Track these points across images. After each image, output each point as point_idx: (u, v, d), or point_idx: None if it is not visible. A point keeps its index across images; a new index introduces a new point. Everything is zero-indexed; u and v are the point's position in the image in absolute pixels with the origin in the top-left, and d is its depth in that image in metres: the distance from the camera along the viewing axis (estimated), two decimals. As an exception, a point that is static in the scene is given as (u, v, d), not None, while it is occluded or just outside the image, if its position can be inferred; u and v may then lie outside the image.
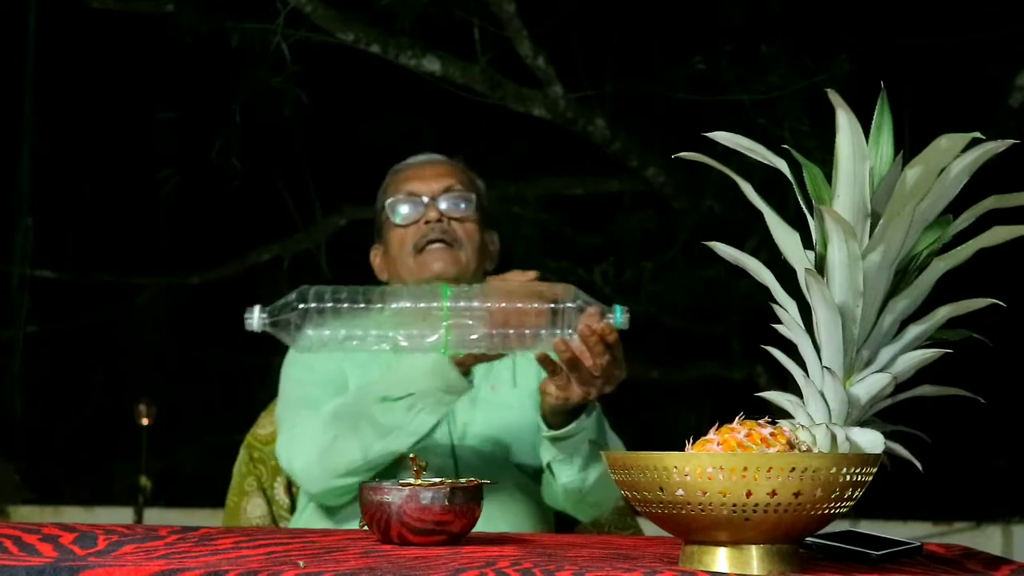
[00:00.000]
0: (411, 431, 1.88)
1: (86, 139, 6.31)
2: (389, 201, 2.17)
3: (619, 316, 1.75)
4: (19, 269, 5.32)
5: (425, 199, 2.14)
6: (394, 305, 1.75)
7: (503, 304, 1.74)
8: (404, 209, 2.15)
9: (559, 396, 1.84)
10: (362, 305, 1.74)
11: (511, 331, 1.75)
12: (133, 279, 6.65)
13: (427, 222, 2.12)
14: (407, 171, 2.22)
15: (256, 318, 1.74)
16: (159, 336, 6.78)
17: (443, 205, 2.14)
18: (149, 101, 5.85)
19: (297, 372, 2.13)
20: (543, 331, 1.75)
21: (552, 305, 1.75)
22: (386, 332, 1.75)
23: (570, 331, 1.75)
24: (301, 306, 1.73)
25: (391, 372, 1.94)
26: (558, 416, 1.89)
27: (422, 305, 1.75)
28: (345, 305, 1.73)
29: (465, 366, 1.86)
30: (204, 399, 6.54)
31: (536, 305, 1.75)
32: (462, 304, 1.75)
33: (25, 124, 5.25)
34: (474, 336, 1.75)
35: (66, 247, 6.45)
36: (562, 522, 2.18)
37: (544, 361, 1.81)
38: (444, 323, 1.74)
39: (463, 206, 2.15)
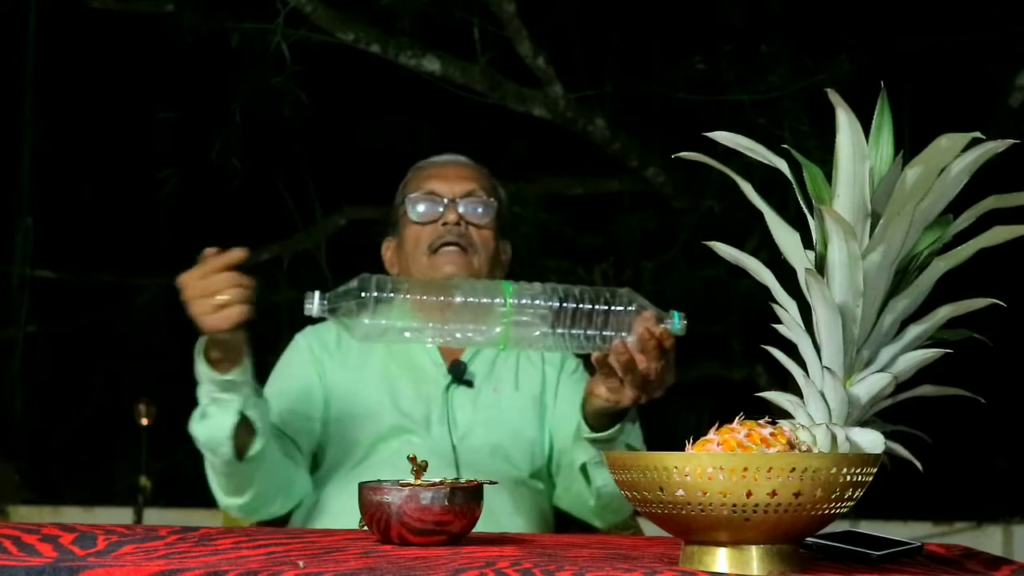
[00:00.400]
0: (221, 437, 1.88)
1: (86, 139, 6.31)
2: (409, 197, 2.16)
3: (676, 322, 1.75)
4: (19, 269, 5.32)
5: (445, 200, 2.14)
6: (457, 299, 1.74)
7: (565, 304, 1.74)
8: (423, 207, 2.14)
9: (609, 399, 1.83)
10: (423, 297, 1.74)
11: (571, 331, 1.74)
12: (133, 279, 6.65)
13: (444, 223, 2.12)
14: (431, 169, 2.21)
15: (316, 303, 1.75)
16: (159, 336, 6.78)
17: (462, 208, 2.13)
18: (149, 101, 5.85)
19: (279, 366, 2.16)
20: (602, 332, 1.74)
21: (611, 308, 1.74)
22: (445, 326, 1.74)
23: (625, 333, 1.74)
24: (363, 295, 1.73)
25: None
26: (601, 419, 1.88)
27: (485, 301, 1.74)
28: (407, 296, 1.73)
29: (222, 364, 1.83)
30: (204, 399, 6.53)
31: (597, 307, 1.74)
32: (525, 302, 1.74)
33: (25, 124, 5.25)
34: (535, 334, 1.75)
35: (66, 247, 6.45)
36: (562, 522, 2.18)
37: (601, 362, 1.80)
38: (505, 319, 1.73)
39: (482, 212, 2.14)
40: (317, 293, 1.74)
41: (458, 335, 1.74)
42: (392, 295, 1.73)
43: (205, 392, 1.88)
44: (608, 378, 1.80)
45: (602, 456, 1.91)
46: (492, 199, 2.17)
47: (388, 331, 1.74)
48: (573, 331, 1.73)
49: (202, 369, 1.85)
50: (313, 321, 2.20)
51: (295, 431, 2.07)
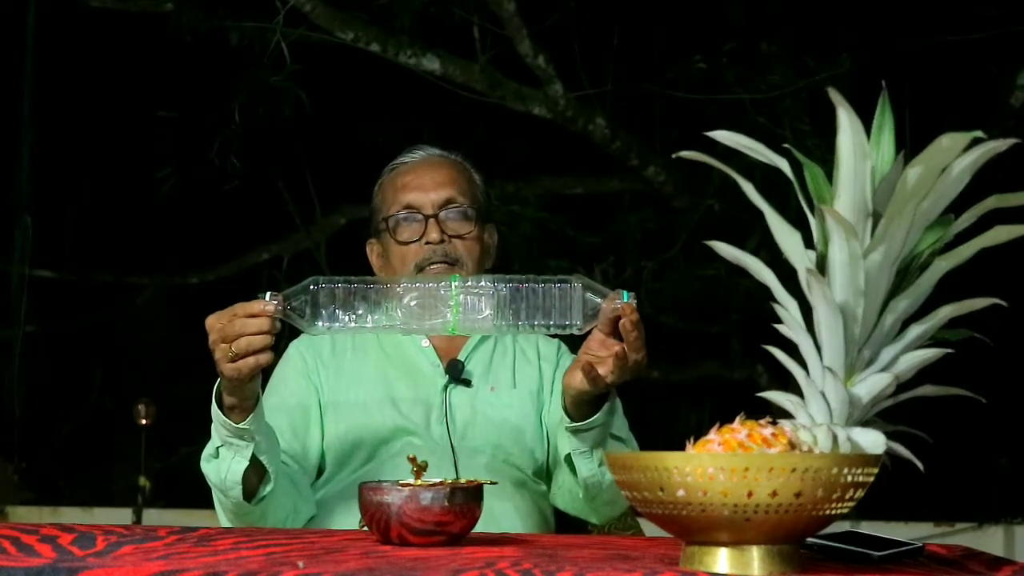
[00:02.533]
0: (232, 482, 1.87)
1: (85, 138, 6.31)
2: (388, 215, 2.15)
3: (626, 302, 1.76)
4: (18, 269, 5.31)
5: (425, 216, 2.12)
6: (402, 287, 1.76)
7: (510, 286, 1.75)
8: (404, 229, 2.13)
9: (586, 388, 1.81)
10: (371, 287, 1.75)
11: (519, 313, 1.75)
12: (133, 279, 6.65)
13: (428, 243, 2.11)
14: (405, 175, 2.19)
15: (268, 302, 1.76)
16: (159, 336, 6.79)
17: (444, 221, 2.12)
18: (148, 100, 5.85)
19: (273, 379, 2.14)
20: (552, 314, 1.75)
21: (559, 286, 1.75)
22: (395, 314, 1.75)
23: (578, 323, 1.75)
24: (312, 288, 1.74)
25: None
26: (580, 408, 1.87)
27: (431, 286, 1.76)
28: (354, 286, 1.75)
29: (235, 412, 1.82)
30: (204, 399, 6.53)
31: (543, 286, 1.75)
32: (470, 284, 1.76)
33: (24, 123, 5.25)
34: (481, 317, 1.76)
35: (65, 247, 6.45)
36: (562, 522, 2.18)
37: (586, 370, 1.80)
38: (452, 302, 1.74)
39: (464, 220, 2.14)
40: (269, 293, 1.75)
41: (409, 323, 1.76)
42: (341, 287, 1.75)
43: (217, 433, 1.86)
44: (587, 368, 1.80)
45: (585, 446, 1.91)
46: (471, 202, 2.15)
47: (341, 324, 1.76)
48: (522, 314, 1.75)
49: (216, 412, 1.83)
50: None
51: (296, 453, 2.07)
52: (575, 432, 1.90)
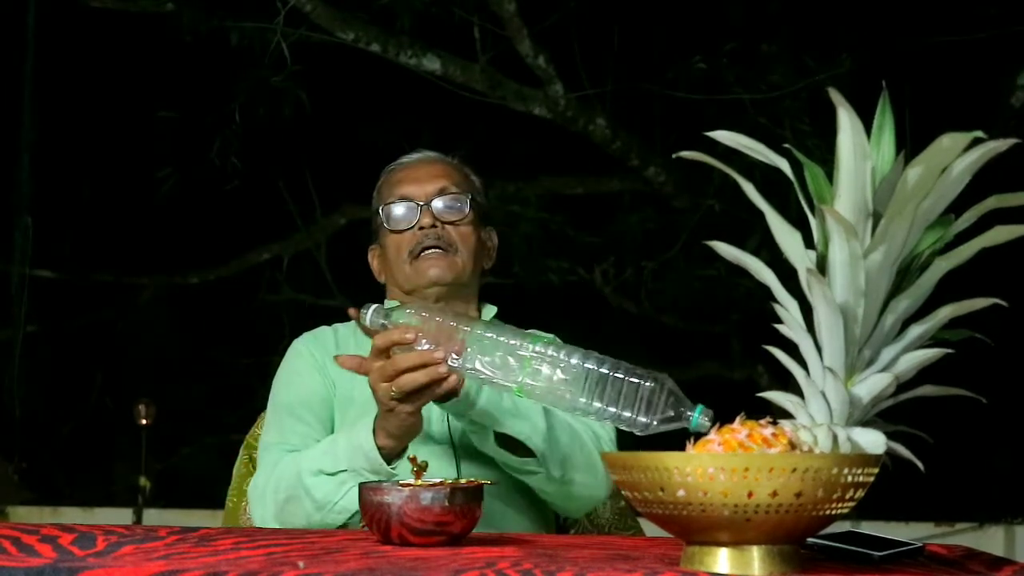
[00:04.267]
0: (342, 508, 1.86)
1: (85, 138, 6.31)
2: (383, 206, 2.15)
3: (695, 419, 1.60)
4: (18, 269, 5.32)
5: (418, 203, 2.13)
6: (488, 333, 1.71)
7: (592, 367, 1.65)
8: (398, 214, 2.13)
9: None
10: (461, 324, 1.73)
11: (592, 397, 1.68)
12: (133, 279, 6.65)
13: (421, 228, 2.11)
14: (400, 172, 2.20)
15: (371, 314, 1.77)
16: (159, 336, 6.79)
17: (437, 207, 2.12)
18: (149, 100, 5.85)
19: (286, 376, 2.13)
20: (623, 407, 1.68)
21: (639, 380, 1.66)
22: (473, 356, 1.72)
23: (654, 420, 1.64)
24: (409, 309, 1.74)
25: (327, 445, 1.93)
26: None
27: (513, 342, 1.69)
28: (444, 319, 1.73)
29: (385, 451, 1.82)
30: (204, 399, 6.54)
31: (622, 376, 1.66)
32: (551, 353, 1.67)
33: (25, 124, 5.25)
34: (552, 388, 1.68)
35: (65, 247, 6.45)
36: (562, 523, 2.18)
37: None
38: (526, 364, 1.69)
39: (457, 207, 2.13)
40: (375, 305, 1.76)
41: (482, 369, 1.72)
42: (433, 317, 1.74)
43: (350, 458, 1.84)
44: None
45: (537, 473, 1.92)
46: (466, 192, 2.15)
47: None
48: (596, 398, 1.68)
49: (370, 445, 1.82)
50: (310, 327, 2.18)
51: None
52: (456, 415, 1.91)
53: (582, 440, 1.98)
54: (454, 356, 1.71)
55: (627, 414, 1.64)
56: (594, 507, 2.12)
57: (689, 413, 1.61)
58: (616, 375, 1.65)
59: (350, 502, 1.84)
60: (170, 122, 5.70)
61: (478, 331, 1.72)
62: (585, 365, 1.66)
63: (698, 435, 1.22)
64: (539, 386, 1.68)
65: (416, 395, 1.73)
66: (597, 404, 1.65)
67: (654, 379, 1.64)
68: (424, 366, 1.71)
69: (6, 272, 5.42)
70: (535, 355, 1.68)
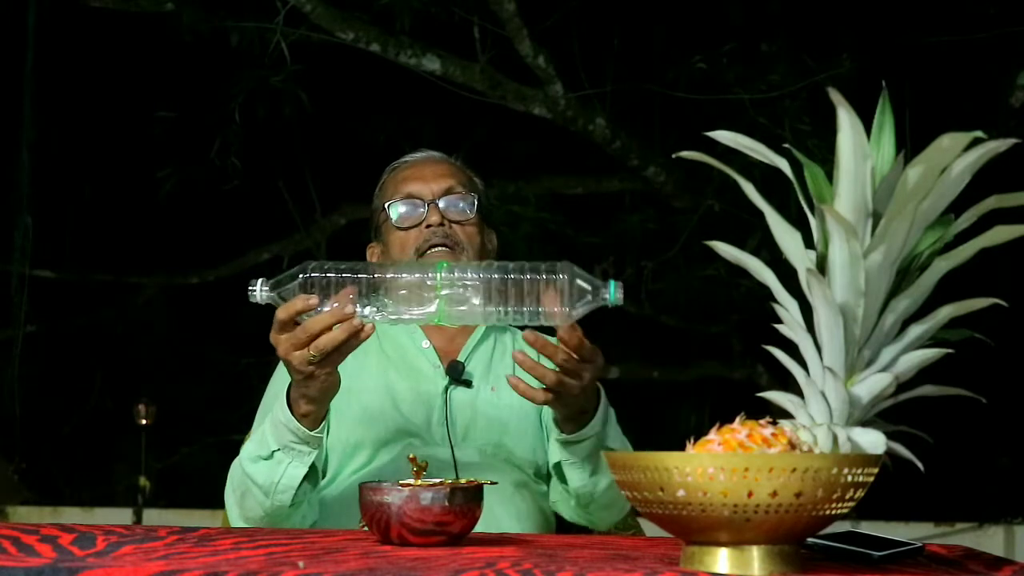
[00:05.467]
0: (284, 486, 1.86)
1: (85, 138, 6.31)
2: (389, 203, 2.15)
3: (612, 294, 1.71)
4: (18, 269, 5.31)
5: (426, 201, 2.13)
6: (390, 275, 1.75)
7: (498, 276, 1.74)
8: (404, 212, 2.13)
9: (558, 409, 1.83)
10: (360, 275, 1.74)
11: (507, 303, 1.73)
12: (132, 279, 6.65)
13: (428, 226, 2.11)
14: (406, 170, 2.20)
15: (259, 290, 1.75)
16: (158, 336, 6.78)
17: (444, 207, 2.12)
18: (148, 100, 5.85)
19: (274, 379, 2.13)
20: (538, 307, 1.73)
21: (547, 276, 1.73)
22: (381, 302, 1.74)
23: (567, 308, 1.72)
24: (301, 276, 1.73)
25: (258, 433, 1.93)
26: (568, 423, 1.88)
27: (417, 276, 1.74)
28: (344, 275, 1.74)
29: (309, 418, 1.82)
30: (204, 399, 6.54)
31: (531, 276, 1.73)
32: (457, 275, 1.74)
33: (25, 123, 5.25)
34: (467, 308, 1.74)
35: (65, 247, 6.45)
36: (562, 523, 2.18)
37: (520, 390, 1.79)
38: (438, 292, 1.73)
39: (463, 207, 2.14)
40: (260, 280, 1.75)
41: (394, 311, 1.74)
42: (331, 274, 1.74)
43: (277, 436, 1.84)
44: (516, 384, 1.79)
45: (576, 458, 1.91)
46: (472, 193, 2.16)
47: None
48: (510, 303, 1.72)
49: (288, 418, 1.82)
50: None
51: (321, 469, 2.06)
52: (565, 444, 1.89)
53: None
54: (367, 307, 1.72)
55: (544, 310, 1.70)
56: (616, 519, 2.09)
57: (604, 292, 1.68)
58: (522, 276, 1.71)
59: (290, 479, 1.85)
60: (170, 122, 5.69)
61: (377, 275, 1.74)
62: (492, 276, 1.72)
63: (697, 435, 1.22)
64: (454, 309, 1.73)
65: (335, 354, 1.72)
66: (513, 309, 1.72)
67: (558, 270, 1.70)
68: (339, 322, 1.70)
69: (6, 272, 5.42)
70: (442, 281, 1.72)
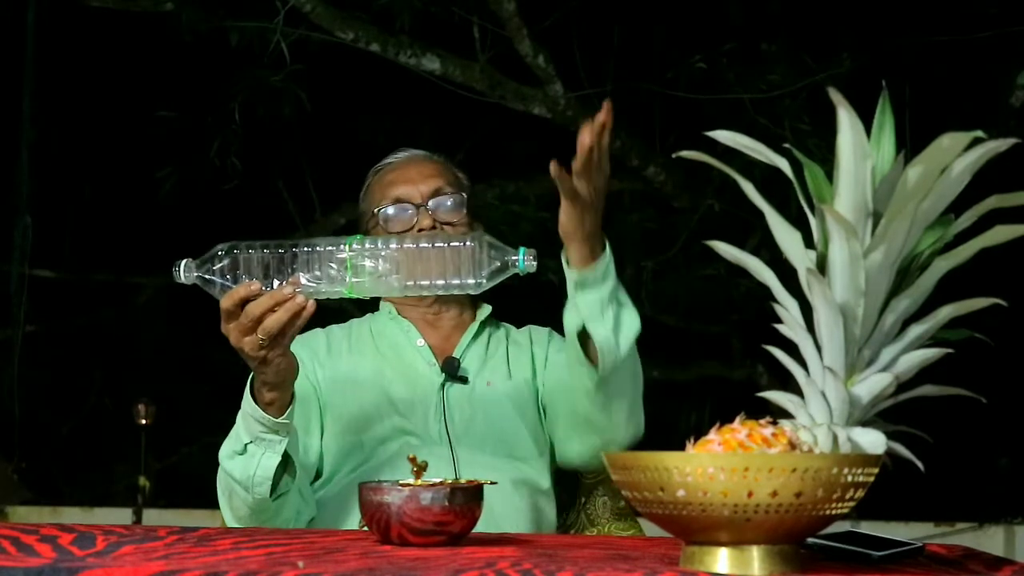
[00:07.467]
0: (260, 478, 1.86)
1: (85, 138, 6.31)
2: (378, 209, 2.15)
3: (522, 261, 1.71)
4: (18, 268, 5.31)
5: (415, 204, 2.13)
6: (305, 249, 1.76)
7: (409, 245, 1.75)
8: (396, 216, 2.13)
9: (572, 215, 1.77)
10: (274, 252, 1.75)
11: (418, 272, 1.74)
12: (132, 278, 6.64)
13: (420, 230, 2.11)
14: (391, 173, 2.20)
15: (183, 270, 1.77)
16: (158, 336, 6.78)
17: (433, 207, 2.12)
18: (148, 100, 5.84)
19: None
20: (453, 272, 1.74)
21: (458, 243, 1.74)
22: (296, 276, 1.75)
23: (481, 280, 1.72)
24: (220, 254, 1.75)
25: (232, 431, 1.92)
26: (582, 256, 1.81)
27: (328, 249, 1.75)
28: (257, 252, 1.75)
29: (274, 406, 1.81)
30: (204, 399, 6.54)
31: (441, 244, 1.74)
32: (368, 246, 1.75)
33: (24, 123, 5.25)
34: (378, 278, 1.75)
35: (65, 246, 6.44)
36: (563, 524, 2.18)
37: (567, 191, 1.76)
38: (348, 264, 1.74)
39: (453, 206, 2.14)
40: (184, 260, 1.76)
41: (308, 284, 1.75)
42: (247, 251, 1.76)
43: (247, 429, 1.84)
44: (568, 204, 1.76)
45: (594, 303, 1.84)
46: (460, 191, 2.16)
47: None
48: (421, 272, 1.73)
49: (253, 408, 1.82)
50: (309, 327, 2.19)
51: (299, 458, 2.06)
52: (582, 287, 1.83)
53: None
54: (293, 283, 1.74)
55: (456, 280, 1.73)
56: (633, 419, 2.01)
57: (514, 258, 1.70)
58: (434, 245, 1.73)
59: (265, 470, 1.85)
60: (170, 122, 5.69)
61: (293, 251, 1.76)
62: (404, 246, 1.74)
63: (697, 435, 1.22)
64: (366, 280, 1.74)
65: (281, 335, 1.73)
66: (425, 281, 1.74)
67: (470, 239, 1.73)
68: (279, 304, 1.71)
69: (5, 272, 5.41)
70: (353, 253, 1.74)
